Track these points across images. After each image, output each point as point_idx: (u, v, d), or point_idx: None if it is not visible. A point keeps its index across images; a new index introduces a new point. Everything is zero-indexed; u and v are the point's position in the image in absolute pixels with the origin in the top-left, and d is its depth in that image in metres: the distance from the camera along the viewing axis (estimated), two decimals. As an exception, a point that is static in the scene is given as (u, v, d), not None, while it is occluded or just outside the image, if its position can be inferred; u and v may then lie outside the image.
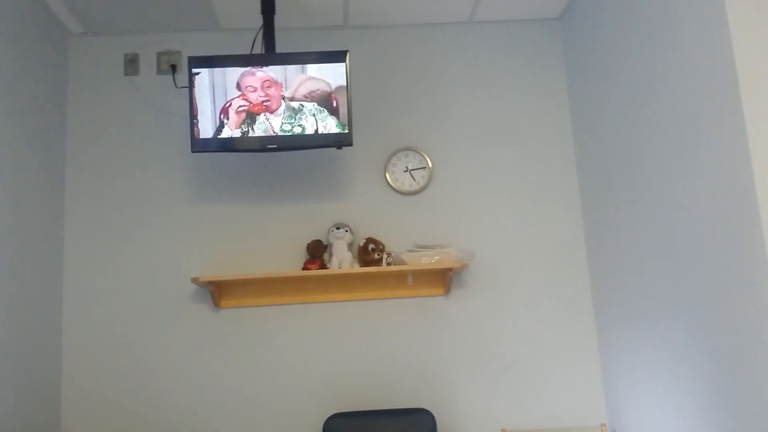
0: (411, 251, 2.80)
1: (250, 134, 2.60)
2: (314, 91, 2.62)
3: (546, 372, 2.87)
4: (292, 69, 2.62)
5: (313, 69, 2.63)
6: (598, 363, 2.88)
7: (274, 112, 2.61)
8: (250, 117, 2.60)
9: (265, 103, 2.60)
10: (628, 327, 2.58)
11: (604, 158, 2.73)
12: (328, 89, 2.63)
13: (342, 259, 2.79)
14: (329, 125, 2.62)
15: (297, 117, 2.61)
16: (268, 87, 2.61)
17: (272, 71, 2.62)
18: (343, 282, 2.89)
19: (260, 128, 2.60)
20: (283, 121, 2.60)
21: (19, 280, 2.50)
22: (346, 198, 2.97)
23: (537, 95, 3.08)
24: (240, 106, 2.60)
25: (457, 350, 2.87)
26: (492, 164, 3.02)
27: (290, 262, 2.90)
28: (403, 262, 2.76)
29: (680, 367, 2.18)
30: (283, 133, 2.61)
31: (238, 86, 2.61)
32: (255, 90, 2.61)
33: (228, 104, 2.61)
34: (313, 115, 2.61)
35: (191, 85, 2.62)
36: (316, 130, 2.62)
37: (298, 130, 2.61)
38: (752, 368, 1.79)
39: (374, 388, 2.84)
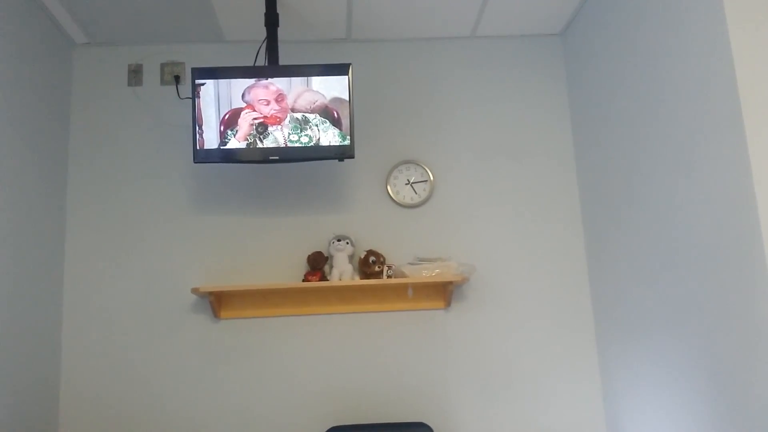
0: (412, 264, 2.80)
1: (257, 146, 2.61)
2: (314, 103, 2.64)
3: (546, 386, 2.86)
4: (297, 81, 2.64)
5: (317, 81, 2.64)
6: (598, 377, 2.88)
7: (281, 124, 2.62)
8: (262, 128, 2.61)
9: (278, 116, 2.61)
10: (628, 341, 2.58)
11: (604, 172, 2.74)
12: (324, 101, 2.64)
13: (342, 271, 2.79)
14: (331, 136, 2.63)
15: (303, 128, 2.62)
16: (280, 101, 2.62)
17: (279, 83, 2.63)
18: (344, 294, 2.89)
19: (269, 140, 2.61)
20: (290, 132, 2.61)
21: (19, 288, 2.49)
22: (347, 210, 2.97)
23: (538, 110, 3.10)
24: (255, 118, 2.61)
25: (457, 364, 2.87)
26: (494, 178, 3.03)
27: (291, 273, 2.90)
28: (403, 275, 2.76)
29: (680, 381, 2.18)
30: (291, 144, 2.61)
31: (243, 97, 2.62)
32: (268, 103, 2.62)
33: (227, 115, 2.61)
34: (316, 125, 2.63)
35: (194, 96, 2.63)
36: (318, 141, 2.63)
37: (305, 140, 2.61)
38: (753, 383, 1.79)
39: (373, 401, 2.83)
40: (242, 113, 2.62)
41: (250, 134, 2.61)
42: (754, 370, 1.79)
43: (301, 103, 2.62)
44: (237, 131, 2.61)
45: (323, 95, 2.64)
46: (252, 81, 2.63)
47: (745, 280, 1.81)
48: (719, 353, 1.95)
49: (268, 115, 2.61)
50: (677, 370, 2.20)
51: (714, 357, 1.98)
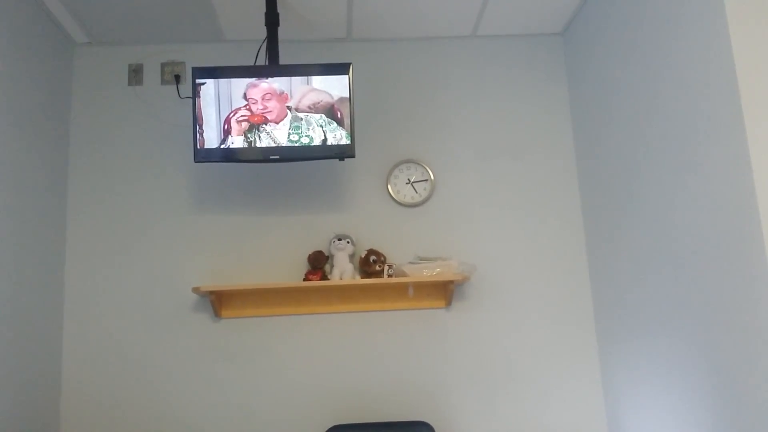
0: (412, 263, 2.80)
1: (256, 144, 2.61)
2: (318, 103, 2.63)
3: (547, 385, 2.86)
4: (297, 80, 2.64)
5: (317, 81, 2.64)
6: (599, 376, 2.88)
7: (280, 123, 2.62)
8: (256, 127, 2.61)
9: (265, 115, 2.61)
10: (629, 340, 2.58)
11: (605, 171, 2.74)
12: (330, 101, 2.64)
13: (343, 271, 2.79)
14: (339, 136, 2.63)
15: (303, 127, 2.62)
16: (268, 99, 2.62)
17: (277, 83, 2.63)
18: (344, 293, 2.89)
19: (266, 138, 2.61)
20: (290, 132, 2.61)
21: (20, 287, 2.49)
22: (348, 209, 2.97)
23: (539, 109, 3.10)
24: (242, 116, 2.61)
25: (458, 363, 2.87)
26: (494, 177, 3.03)
27: (291, 272, 2.90)
28: (404, 274, 2.76)
29: (681, 380, 2.18)
30: (290, 143, 2.61)
31: (245, 96, 2.63)
32: (256, 102, 2.62)
33: (232, 114, 2.62)
34: (321, 126, 2.62)
35: (195, 96, 2.63)
36: (324, 141, 2.63)
37: (305, 141, 2.62)
38: (755, 383, 1.79)
39: (374, 400, 2.83)
40: (237, 111, 2.62)
41: (248, 132, 2.61)
42: (755, 367, 1.79)
43: (306, 102, 2.62)
44: (232, 130, 2.61)
45: (330, 95, 2.63)
46: (251, 81, 2.63)
47: (746, 278, 1.81)
48: (720, 351, 1.95)
49: (256, 114, 2.61)
50: (678, 368, 2.20)
51: (715, 355, 1.98)
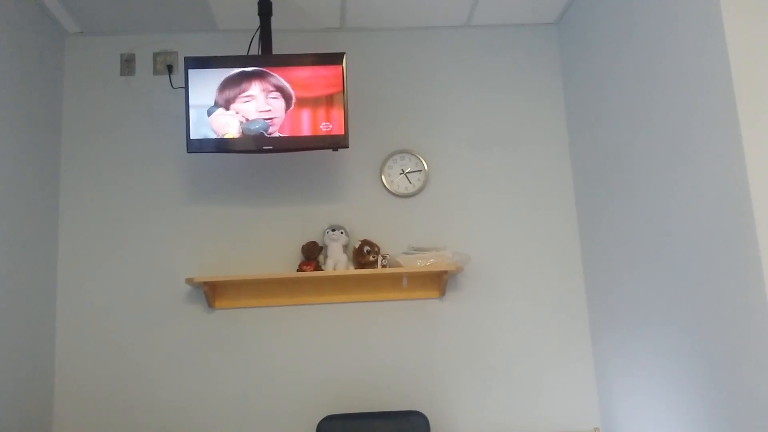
0: (406, 254, 2.80)
1: (247, 135, 2.60)
2: (314, 93, 2.62)
3: (540, 375, 2.87)
4: (294, 70, 2.62)
5: (312, 71, 2.63)
6: (592, 366, 2.89)
7: (274, 117, 2.61)
8: (248, 121, 2.60)
9: (261, 111, 2.60)
10: (622, 331, 2.59)
11: (599, 162, 2.74)
12: (325, 91, 2.63)
13: (337, 261, 2.79)
14: (331, 126, 2.62)
15: (297, 119, 2.61)
16: (274, 98, 2.61)
17: (275, 77, 2.62)
18: (338, 284, 2.89)
19: (258, 129, 2.60)
20: (283, 124, 2.60)
21: (12, 279, 2.49)
22: (341, 200, 2.97)
23: (533, 99, 3.09)
24: (236, 111, 2.60)
25: (452, 353, 2.87)
26: (488, 167, 3.03)
27: (285, 263, 2.90)
28: (398, 265, 2.76)
29: (674, 370, 2.19)
30: (280, 134, 2.60)
31: (240, 89, 2.61)
32: (254, 98, 2.61)
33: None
34: (314, 117, 2.61)
35: (187, 86, 2.62)
36: (317, 132, 2.62)
37: (298, 132, 2.61)
38: (746, 372, 1.80)
39: (368, 390, 2.84)
40: (232, 104, 2.61)
41: (241, 124, 2.60)
42: (746, 357, 1.79)
43: (301, 93, 2.61)
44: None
45: (325, 85, 2.62)
46: (244, 74, 2.62)
47: (738, 269, 1.81)
48: (712, 341, 1.96)
49: (253, 111, 2.60)
50: (670, 358, 2.21)
51: (706, 345, 1.99)
